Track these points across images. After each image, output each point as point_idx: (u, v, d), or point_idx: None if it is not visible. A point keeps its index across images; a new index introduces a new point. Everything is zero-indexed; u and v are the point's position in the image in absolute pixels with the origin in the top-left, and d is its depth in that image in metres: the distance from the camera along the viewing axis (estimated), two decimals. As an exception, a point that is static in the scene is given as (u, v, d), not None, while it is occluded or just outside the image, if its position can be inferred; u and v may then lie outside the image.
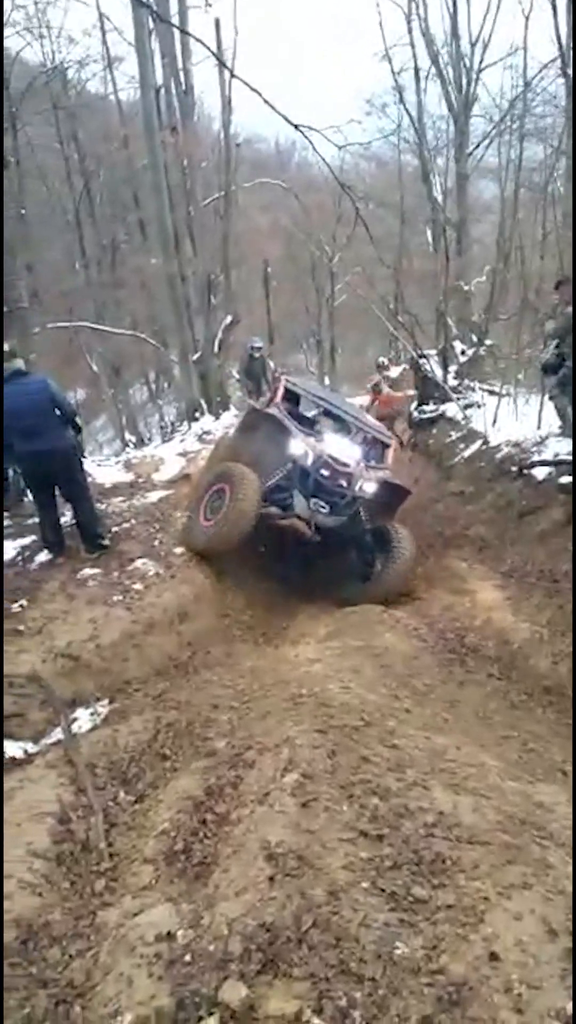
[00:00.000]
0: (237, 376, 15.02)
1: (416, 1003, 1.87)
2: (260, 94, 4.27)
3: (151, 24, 12.54)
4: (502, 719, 4.21)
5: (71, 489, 6.04)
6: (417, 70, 15.63)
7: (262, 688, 4.32)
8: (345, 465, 6.82)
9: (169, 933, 2.16)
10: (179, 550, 6.36)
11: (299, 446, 6.79)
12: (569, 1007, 1.82)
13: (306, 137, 4.63)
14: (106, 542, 6.14)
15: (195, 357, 14.14)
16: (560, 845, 2.63)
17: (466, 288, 13.62)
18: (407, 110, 16.32)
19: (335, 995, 1.90)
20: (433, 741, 3.44)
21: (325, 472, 6.77)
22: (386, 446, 7.90)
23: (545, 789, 3.22)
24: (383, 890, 2.28)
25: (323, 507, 6.84)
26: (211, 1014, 1.87)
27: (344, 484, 6.82)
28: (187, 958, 2.06)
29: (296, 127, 4.48)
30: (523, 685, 4.67)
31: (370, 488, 6.95)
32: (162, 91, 13.78)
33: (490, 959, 1.98)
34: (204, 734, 3.77)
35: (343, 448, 7.00)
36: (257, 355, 12.86)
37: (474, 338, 12.53)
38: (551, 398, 7.93)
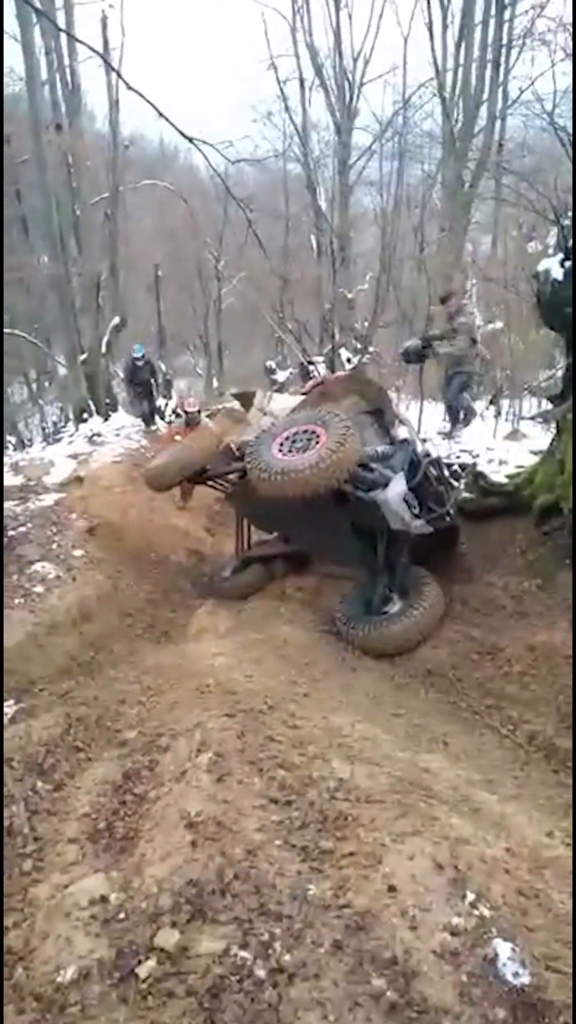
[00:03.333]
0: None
1: (328, 932, 2.18)
2: (155, 107, 4.46)
3: (35, 18, 12.32)
4: (390, 699, 4.63)
5: None
6: (302, 80, 16.33)
7: (167, 682, 4.51)
8: (451, 471, 6.06)
9: (102, 897, 2.36)
10: (78, 552, 6.41)
11: (411, 432, 5.91)
12: (455, 920, 2.19)
13: (200, 151, 4.89)
14: None
15: (82, 358, 13.99)
16: (443, 802, 3.04)
17: (349, 296, 14.29)
18: (292, 120, 16.97)
19: (258, 932, 2.17)
20: (330, 720, 3.79)
21: (434, 471, 5.74)
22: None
23: (429, 758, 3.65)
24: (294, 845, 2.58)
25: (415, 508, 5.41)
26: (148, 958, 2.09)
27: (442, 493, 5.78)
28: (121, 916, 2.27)
29: (191, 140, 4.71)
30: (407, 669, 5.11)
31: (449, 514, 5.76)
32: (46, 87, 13.52)
33: (388, 891, 2.33)
34: (115, 727, 3.93)
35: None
36: (141, 363, 12.90)
37: (358, 345, 13.18)
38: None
